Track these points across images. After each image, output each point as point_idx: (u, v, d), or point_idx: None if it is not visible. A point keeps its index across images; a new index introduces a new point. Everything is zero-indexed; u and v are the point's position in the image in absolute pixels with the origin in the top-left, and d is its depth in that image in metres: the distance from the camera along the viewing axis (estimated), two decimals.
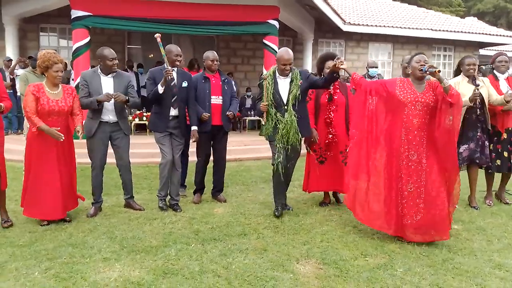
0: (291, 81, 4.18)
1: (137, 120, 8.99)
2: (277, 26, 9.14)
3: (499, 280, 2.97)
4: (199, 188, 4.96)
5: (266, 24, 8.98)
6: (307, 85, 4.25)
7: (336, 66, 3.87)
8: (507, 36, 13.71)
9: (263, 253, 3.36)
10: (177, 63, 4.52)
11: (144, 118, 8.86)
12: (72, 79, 8.50)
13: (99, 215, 4.28)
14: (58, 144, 3.88)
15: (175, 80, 4.41)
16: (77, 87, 8.01)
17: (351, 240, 3.69)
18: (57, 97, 3.87)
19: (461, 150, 4.62)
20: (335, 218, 4.32)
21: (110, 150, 4.38)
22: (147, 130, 8.69)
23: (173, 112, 4.46)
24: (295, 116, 4.16)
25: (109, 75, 4.26)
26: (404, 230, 3.61)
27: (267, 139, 4.35)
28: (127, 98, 4.22)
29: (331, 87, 4.46)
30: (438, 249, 3.46)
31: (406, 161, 3.61)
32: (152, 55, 11.80)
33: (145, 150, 7.27)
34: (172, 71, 4.29)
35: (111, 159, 4.44)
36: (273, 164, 4.28)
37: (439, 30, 12.80)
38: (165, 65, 4.31)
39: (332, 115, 4.47)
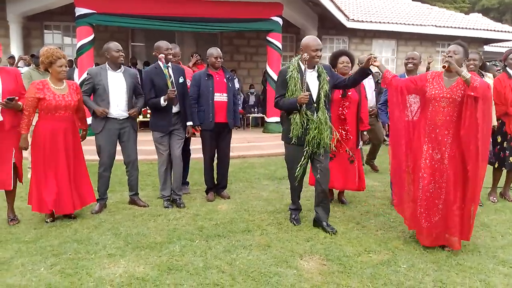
0: (319, 76, 3.74)
1: (141, 117, 9.01)
2: (281, 23, 9.12)
3: (503, 276, 2.97)
4: (211, 187, 4.95)
5: (270, 21, 8.97)
6: (333, 83, 3.83)
7: (370, 63, 3.56)
8: (511, 32, 13.61)
9: (266, 249, 3.37)
10: (170, 57, 4.50)
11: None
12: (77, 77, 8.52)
13: (104, 212, 4.30)
14: (65, 140, 3.90)
15: (173, 77, 4.42)
16: (81, 84, 8.12)
17: (355, 236, 3.70)
18: (63, 92, 3.88)
19: None
20: (338, 214, 4.32)
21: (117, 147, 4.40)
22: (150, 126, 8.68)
23: (175, 108, 4.47)
24: (328, 115, 3.76)
25: (118, 70, 4.27)
26: (420, 232, 3.46)
27: (290, 143, 3.74)
28: (139, 108, 4.38)
29: None
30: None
31: (430, 159, 3.37)
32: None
33: (149, 147, 7.21)
34: (174, 90, 4.30)
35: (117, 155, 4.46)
36: (292, 172, 3.88)
37: (443, 26, 12.73)
38: (169, 86, 4.31)
39: (346, 111, 4.36)
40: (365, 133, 4.58)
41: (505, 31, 13.53)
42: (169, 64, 4.46)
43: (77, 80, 8.54)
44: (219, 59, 4.69)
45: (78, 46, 8.36)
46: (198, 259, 3.17)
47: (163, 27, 8.86)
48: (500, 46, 15.04)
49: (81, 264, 3.06)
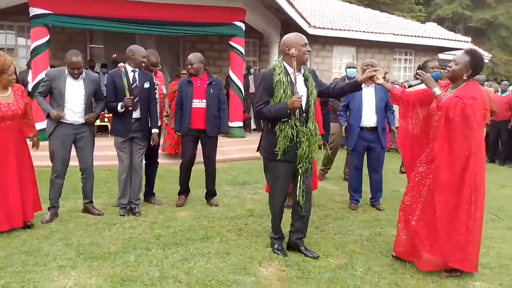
0: (306, 80, 3.26)
1: (98, 122, 8.73)
2: (243, 28, 9.12)
3: (454, 277, 3.05)
4: (182, 190, 4.88)
5: (232, 26, 8.94)
6: (317, 89, 3.36)
7: (373, 80, 3.26)
8: (464, 41, 14.29)
9: (225, 257, 3.32)
10: (143, 64, 4.44)
11: (106, 120, 8.61)
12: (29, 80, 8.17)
13: (55, 221, 4.10)
14: (15, 150, 3.72)
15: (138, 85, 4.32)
16: (35, 87, 7.78)
17: (314, 241, 3.71)
18: (8, 100, 3.69)
19: None
20: None
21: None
22: (109, 132, 8.44)
23: (135, 114, 4.34)
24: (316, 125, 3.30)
25: (79, 79, 4.12)
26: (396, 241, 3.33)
27: (276, 159, 3.17)
28: (96, 113, 4.23)
29: None
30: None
31: (415, 172, 3.23)
32: (115, 55, 11.52)
33: (108, 152, 7.05)
34: (131, 99, 4.21)
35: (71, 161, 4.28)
36: (277, 194, 3.35)
37: (401, 34, 13.17)
38: (126, 94, 4.23)
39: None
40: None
41: (458, 40, 14.18)
42: (136, 69, 4.35)
43: (31, 82, 8.20)
44: (189, 66, 4.64)
45: (32, 47, 8.00)
46: (154, 269, 3.07)
47: (124, 30, 8.64)
48: (453, 54, 15.70)
49: (28, 277, 2.89)
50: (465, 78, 3.03)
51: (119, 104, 4.20)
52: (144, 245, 3.51)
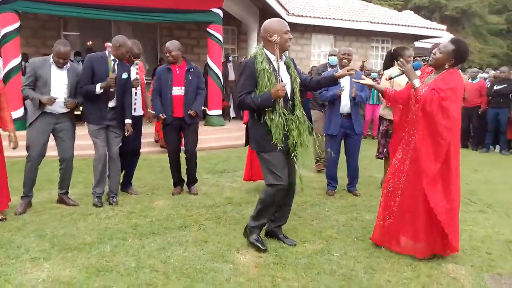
0: (288, 67, 3.20)
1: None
2: (221, 15, 9.00)
3: (427, 260, 3.12)
4: (176, 181, 4.86)
5: (210, 13, 8.82)
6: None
7: (348, 74, 3.21)
8: (440, 29, 14.51)
9: (203, 245, 3.32)
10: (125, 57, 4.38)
11: (81, 108, 8.39)
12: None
13: (28, 212, 4.01)
14: None
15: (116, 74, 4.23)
16: (6, 75, 7.52)
17: (291, 227, 3.74)
18: None
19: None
20: None
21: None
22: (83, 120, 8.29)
23: (111, 103, 4.25)
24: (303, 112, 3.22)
25: (63, 68, 4.03)
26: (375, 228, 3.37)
27: (276, 149, 3.04)
28: (77, 102, 4.11)
29: None
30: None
31: (396, 160, 3.26)
32: (90, 43, 11.23)
33: (84, 142, 6.87)
34: (114, 79, 4.11)
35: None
36: (278, 187, 3.11)
37: (378, 22, 13.26)
38: (110, 74, 4.12)
39: None
40: None
41: (434, 28, 14.39)
42: (116, 60, 4.26)
43: (1, 69, 7.93)
44: (167, 54, 4.58)
45: (1, 34, 7.71)
46: (130, 259, 3.04)
47: (99, 16, 8.43)
48: (429, 42, 15.92)
49: (0, 270, 2.82)
50: (447, 67, 3.05)
51: (98, 85, 4.07)
52: (121, 235, 3.47)
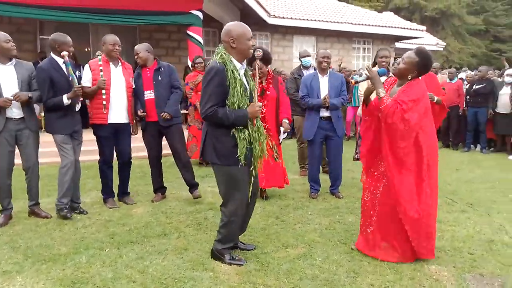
0: (246, 75, 3.00)
1: (43, 115, 8.29)
2: (201, 17, 8.92)
3: (410, 263, 3.10)
4: (156, 188, 4.71)
5: (189, 15, 8.72)
6: None
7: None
8: (420, 30, 14.69)
9: (183, 253, 3.23)
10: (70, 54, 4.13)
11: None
12: None
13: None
14: None
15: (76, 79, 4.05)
16: None
17: (273, 232, 3.69)
18: None
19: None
20: (259, 210, 4.29)
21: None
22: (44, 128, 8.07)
23: (77, 107, 4.14)
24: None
25: (8, 63, 3.83)
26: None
27: (238, 164, 2.87)
28: (29, 95, 3.83)
29: (264, 81, 4.37)
30: (355, 236, 3.55)
31: (374, 168, 3.25)
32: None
33: (53, 148, 6.74)
34: (81, 87, 3.96)
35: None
36: (241, 201, 3.00)
37: (359, 24, 13.36)
38: (75, 83, 3.95)
39: (264, 109, 4.24)
40: (286, 121, 4.56)
41: (414, 29, 14.56)
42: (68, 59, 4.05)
43: None
44: (136, 56, 4.43)
45: None
46: (107, 270, 2.94)
47: (76, 19, 8.23)
48: (409, 43, 16.14)
49: None
50: (410, 78, 3.04)
51: (65, 96, 3.90)
52: (97, 245, 3.36)
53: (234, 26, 2.88)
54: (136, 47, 4.49)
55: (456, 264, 3.09)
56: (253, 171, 3.05)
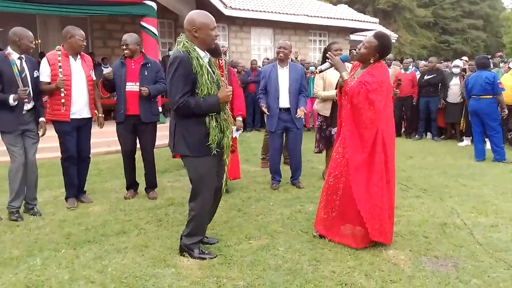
0: (209, 61, 2.93)
1: None
2: (155, 7, 8.68)
3: (369, 249, 3.19)
4: (129, 185, 4.58)
5: (143, 5, 8.46)
6: None
7: None
8: (373, 22, 15.11)
9: (144, 250, 3.16)
10: (31, 50, 3.94)
11: None
12: None
13: None
14: None
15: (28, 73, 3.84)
16: None
17: (236, 224, 3.68)
18: None
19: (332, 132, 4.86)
20: (221, 203, 4.15)
21: None
22: None
23: (28, 106, 3.88)
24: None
25: None
26: (317, 222, 3.39)
27: (210, 154, 2.83)
28: None
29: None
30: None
31: (336, 153, 3.28)
32: (1, 29, 10.34)
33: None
34: (26, 90, 3.70)
35: None
36: (209, 193, 2.96)
37: (315, 16, 13.52)
38: (20, 85, 3.71)
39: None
40: (240, 118, 4.55)
41: (368, 22, 14.95)
42: (23, 56, 3.85)
43: None
44: (124, 46, 4.28)
45: None
46: (63, 271, 2.81)
47: (22, 10, 7.75)
48: (364, 35, 16.54)
49: None
50: (372, 62, 3.13)
51: (11, 97, 3.66)
52: (52, 246, 3.21)
53: (197, 15, 2.81)
54: (125, 36, 4.31)
55: (412, 248, 3.21)
56: (226, 159, 3.04)
